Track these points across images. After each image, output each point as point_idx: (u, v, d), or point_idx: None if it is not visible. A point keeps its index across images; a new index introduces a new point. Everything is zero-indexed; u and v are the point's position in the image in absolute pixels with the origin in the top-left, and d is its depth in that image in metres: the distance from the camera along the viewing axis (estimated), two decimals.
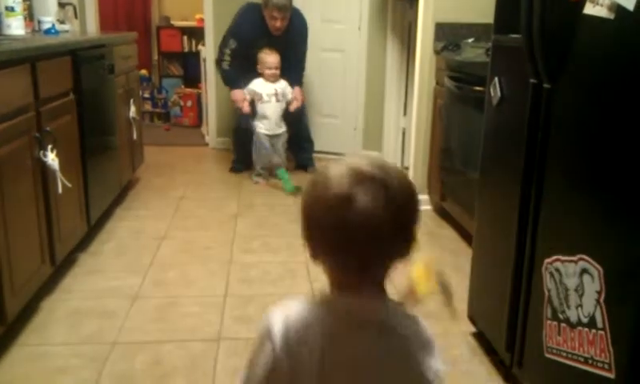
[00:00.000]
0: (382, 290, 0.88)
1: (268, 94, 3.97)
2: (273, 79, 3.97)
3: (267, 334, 0.88)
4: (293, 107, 4.06)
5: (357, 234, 0.81)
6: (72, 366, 1.93)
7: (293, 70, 4.09)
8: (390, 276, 0.89)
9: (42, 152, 2.18)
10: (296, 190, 3.72)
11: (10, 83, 2.00)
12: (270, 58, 3.92)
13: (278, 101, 4.00)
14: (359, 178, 0.81)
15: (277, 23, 3.84)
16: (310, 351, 0.84)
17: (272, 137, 4.02)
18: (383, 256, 0.85)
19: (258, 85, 3.97)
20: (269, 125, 4.00)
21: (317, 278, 2.60)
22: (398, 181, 0.84)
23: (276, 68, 3.94)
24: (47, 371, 1.90)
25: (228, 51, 4.00)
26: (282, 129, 4.08)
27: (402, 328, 0.88)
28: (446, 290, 1.25)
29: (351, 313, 0.86)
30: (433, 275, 1.20)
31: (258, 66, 3.95)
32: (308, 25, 4.13)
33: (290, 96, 4.03)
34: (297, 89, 4.11)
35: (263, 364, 0.86)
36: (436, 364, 0.87)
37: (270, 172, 4.06)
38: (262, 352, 0.87)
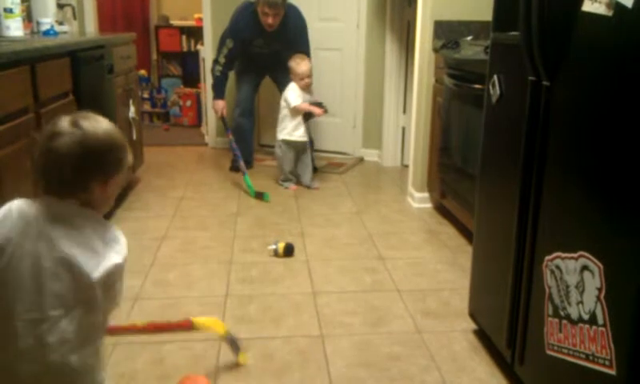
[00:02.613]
0: (81, 203, 1.20)
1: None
2: (307, 89, 3.92)
3: None
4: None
5: (54, 159, 1.15)
6: None
7: None
8: (87, 196, 1.21)
9: None
10: (260, 196, 3.70)
11: (10, 85, 2.00)
12: (300, 68, 3.84)
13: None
14: (71, 122, 1.18)
15: (269, 19, 3.82)
16: (15, 230, 1.15)
17: (296, 144, 3.91)
18: (76, 180, 1.18)
19: (295, 94, 3.86)
20: (296, 132, 3.90)
21: (318, 277, 2.60)
22: (102, 135, 1.21)
23: (308, 77, 3.87)
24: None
25: (225, 51, 4.01)
26: (307, 137, 3.96)
27: (81, 226, 1.18)
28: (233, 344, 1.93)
29: (46, 210, 1.17)
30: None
31: (291, 76, 3.89)
32: (306, 22, 4.10)
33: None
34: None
35: None
36: (113, 256, 1.19)
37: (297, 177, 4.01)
38: None
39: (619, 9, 1.25)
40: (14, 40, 2.71)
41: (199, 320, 1.93)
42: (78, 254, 1.14)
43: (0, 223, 1.15)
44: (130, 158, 1.29)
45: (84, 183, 1.19)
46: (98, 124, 1.23)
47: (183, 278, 2.59)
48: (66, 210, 1.18)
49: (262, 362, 1.97)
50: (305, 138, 3.91)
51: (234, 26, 4.00)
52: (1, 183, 1.88)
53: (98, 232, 1.20)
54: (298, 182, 3.98)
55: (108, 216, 3.22)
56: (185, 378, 1.79)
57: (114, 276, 1.19)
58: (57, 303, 1.13)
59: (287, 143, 3.88)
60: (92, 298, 1.16)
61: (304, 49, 4.06)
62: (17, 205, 1.18)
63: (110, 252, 1.19)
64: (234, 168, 4.29)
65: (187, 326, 1.90)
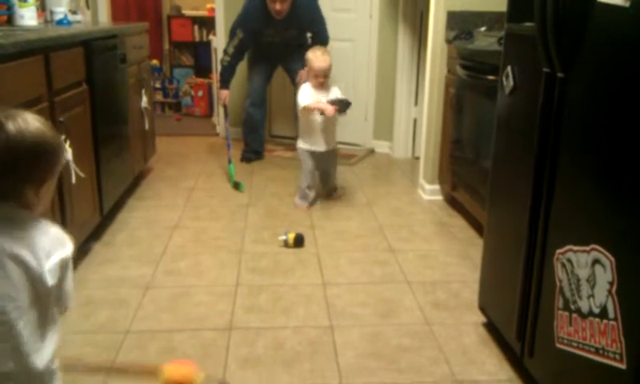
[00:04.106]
0: (8, 203, 1.11)
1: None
2: (321, 88, 3.30)
3: None
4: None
5: None
6: (86, 355, 1.95)
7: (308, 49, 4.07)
8: (21, 201, 1.12)
9: None
10: (236, 186, 3.69)
11: (24, 74, 2.02)
12: (317, 63, 3.25)
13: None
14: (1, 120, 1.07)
15: (276, 6, 3.79)
16: None
17: (314, 154, 3.39)
18: (6, 187, 1.09)
19: (305, 94, 3.30)
20: (311, 140, 3.37)
21: (328, 268, 2.61)
22: (30, 139, 1.09)
23: (325, 76, 3.27)
24: (61, 360, 1.92)
25: (235, 42, 4.00)
26: (330, 146, 3.41)
27: (25, 226, 1.10)
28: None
29: None
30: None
31: (306, 69, 3.40)
32: (317, 2, 4.01)
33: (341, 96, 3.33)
34: (302, 72, 4.09)
35: None
36: (44, 257, 1.10)
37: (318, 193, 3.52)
38: None
39: (636, 0, 1.23)
40: (28, 29, 2.72)
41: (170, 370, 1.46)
42: (25, 254, 1.08)
43: None
44: (65, 156, 1.19)
45: (15, 191, 1.11)
46: (26, 125, 1.10)
47: (194, 267, 2.60)
48: (5, 212, 1.11)
49: (272, 351, 1.98)
50: (321, 149, 3.35)
51: (244, 16, 3.99)
52: None
53: (41, 231, 1.13)
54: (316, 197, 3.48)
55: (120, 204, 3.25)
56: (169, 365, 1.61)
57: (62, 271, 1.15)
58: (10, 305, 1.08)
59: (303, 152, 3.42)
60: (46, 297, 1.13)
61: (320, 29, 4.00)
62: None
63: (57, 249, 1.14)
64: (245, 159, 4.30)
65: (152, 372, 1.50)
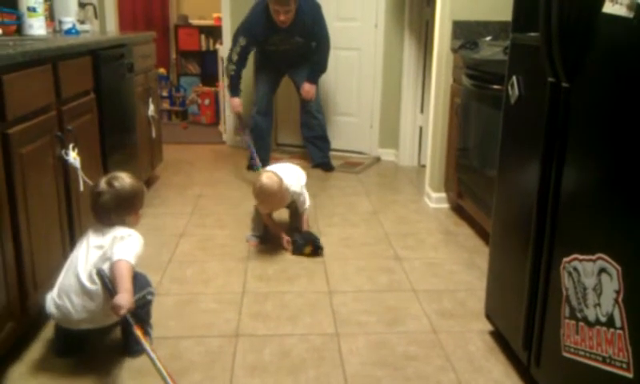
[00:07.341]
0: (113, 225, 1.95)
1: None
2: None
3: None
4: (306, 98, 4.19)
5: (100, 207, 1.95)
6: (93, 360, 1.96)
7: (311, 61, 4.09)
8: (123, 223, 1.98)
9: (63, 151, 2.22)
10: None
11: (33, 83, 2.04)
12: (264, 196, 2.81)
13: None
14: (107, 182, 1.97)
15: (280, 17, 3.82)
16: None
17: None
18: (113, 216, 1.95)
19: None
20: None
21: (335, 276, 2.61)
22: (128, 189, 1.99)
23: (269, 208, 2.94)
24: (68, 365, 1.94)
25: (238, 49, 4.02)
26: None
27: (115, 238, 1.90)
28: None
29: (98, 229, 1.96)
30: None
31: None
32: (321, 9, 4.05)
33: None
34: (305, 84, 4.13)
35: None
36: (116, 249, 1.87)
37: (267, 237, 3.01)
38: None
39: None
40: (37, 39, 2.75)
41: None
42: (99, 246, 1.91)
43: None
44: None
45: (122, 219, 1.98)
46: (125, 181, 1.98)
47: (201, 274, 2.61)
48: (103, 228, 1.96)
49: (278, 359, 1.98)
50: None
51: (248, 24, 4.00)
52: (25, 179, 1.92)
53: (116, 235, 1.91)
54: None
55: None
56: None
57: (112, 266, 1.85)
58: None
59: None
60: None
61: (323, 34, 4.06)
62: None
63: (115, 245, 1.88)
64: (252, 166, 4.31)
65: None
